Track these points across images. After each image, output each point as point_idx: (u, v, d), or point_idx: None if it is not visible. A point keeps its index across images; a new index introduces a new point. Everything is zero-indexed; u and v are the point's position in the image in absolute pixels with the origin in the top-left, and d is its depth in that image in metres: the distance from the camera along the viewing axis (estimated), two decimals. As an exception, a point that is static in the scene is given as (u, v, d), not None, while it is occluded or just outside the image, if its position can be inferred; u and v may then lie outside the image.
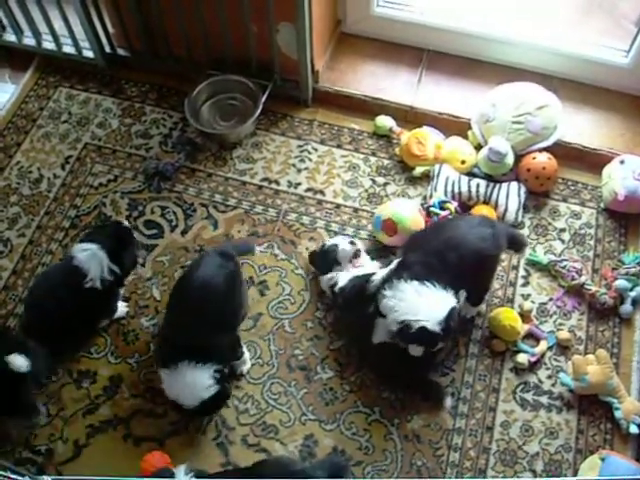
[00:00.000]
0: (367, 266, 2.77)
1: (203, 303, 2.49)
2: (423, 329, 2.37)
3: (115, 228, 2.75)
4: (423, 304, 2.40)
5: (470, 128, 3.15)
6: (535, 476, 2.51)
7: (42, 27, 3.42)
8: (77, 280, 2.58)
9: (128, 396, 2.68)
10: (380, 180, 3.13)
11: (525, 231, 2.98)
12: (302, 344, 2.76)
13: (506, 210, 2.95)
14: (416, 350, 2.44)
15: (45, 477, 1.52)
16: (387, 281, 2.48)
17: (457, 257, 2.47)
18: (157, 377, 2.56)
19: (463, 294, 2.55)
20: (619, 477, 1.51)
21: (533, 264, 2.91)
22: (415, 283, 2.41)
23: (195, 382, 2.42)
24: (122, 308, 2.83)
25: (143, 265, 2.93)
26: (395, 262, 2.57)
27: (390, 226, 2.83)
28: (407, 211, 2.86)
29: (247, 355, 2.69)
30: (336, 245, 2.77)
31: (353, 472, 2.51)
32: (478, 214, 2.87)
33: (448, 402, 2.62)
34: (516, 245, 2.75)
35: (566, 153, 3.10)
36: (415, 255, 2.52)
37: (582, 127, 3.16)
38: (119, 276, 2.67)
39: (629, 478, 1.52)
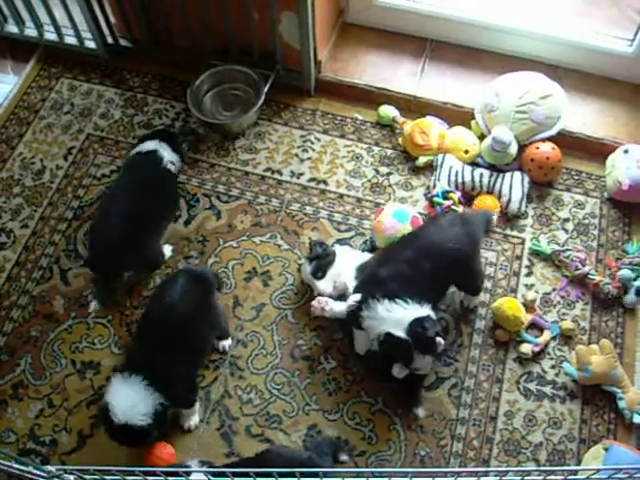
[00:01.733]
0: (346, 272, 2.72)
1: (166, 328, 2.46)
2: (388, 335, 2.38)
3: (162, 131, 3.13)
4: (391, 317, 2.41)
5: (473, 118, 3.14)
6: (539, 466, 2.51)
7: (44, 18, 3.41)
8: (155, 164, 2.88)
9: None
10: (383, 170, 3.13)
11: (529, 221, 2.98)
12: (306, 334, 2.76)
13: (509, 200, 2.94)
14: (398, 372, 2.45)
15: (49, 467, 1.52)
16: (363, 301, 2.48)
17: (432, 264, 2.48)
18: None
19: (452, 289, 2.60)
20: (622, 466, 1.50)
21: (537, 254, 2.90)
22: (386, 301, 2.42)
23: (135, 402, 2.35)
24: (168, 252, 2.94)
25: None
26: (363, 275, 2.60)
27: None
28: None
29: (197, 408, 2.60)
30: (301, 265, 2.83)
31: (356, 462, 2.52)
32: (449, 213, 2.84)
33: (420, 412, 2.61)
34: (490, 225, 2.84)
35: (570, 143, 3.09)
36: (387, 269, 2.51)
37: (586, 117, 3.15)
38: (179, 166, 3.02)
39: (632, 467, 1.51)
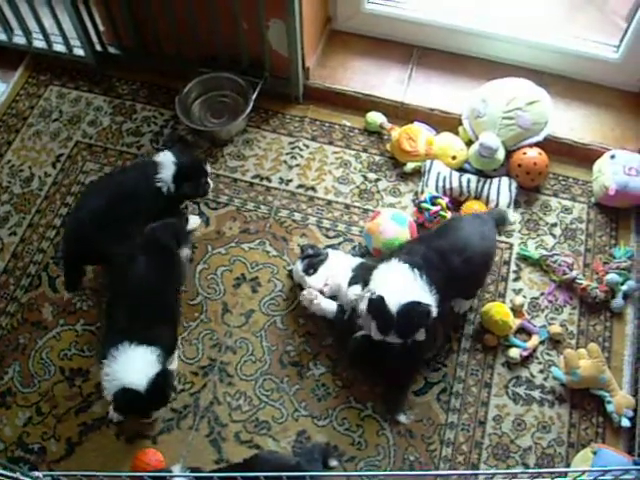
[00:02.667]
0: (339, 273, 2.72)
1: (141, 298, 2.53)
2: (380, 299, 2.36)
3: (193, 160, 2.94)
4: (398, 285, 2.40)
5: (461, 124, 3.16)
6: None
7: (32, 25, 3.41)
8: (151, 174, 2.79)
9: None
10: (371, 176, 3.14)
11: (516, 226, 2.99)
12: (294, 340, 2.76)
13: (497, 205, 2.95)
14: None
15: (36, 473, 1.51)
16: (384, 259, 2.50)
17: (462, 260, 2.48)
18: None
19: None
20: (608, 468, 1.51)
21: (524, 259, 2.91)
22: (406, 266, 2.41)
23: (140, 359, 2.41)
24: (193, 223, 2.99)
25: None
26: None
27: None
28: (397, 246, 2.77)
29: (176, 355, 2.70)
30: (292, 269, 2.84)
31: (346, 468, 2.51)
32: (470, 214, 2.86)
33: (403, 419, 2.61)
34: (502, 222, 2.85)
35: (557, 148, 3.11)
36: (420, 247, 2.51)
37: (573, 122, 3.17)
38: (174, 196, 2.85)
39: (618, 468, 1.52)
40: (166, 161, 2.82)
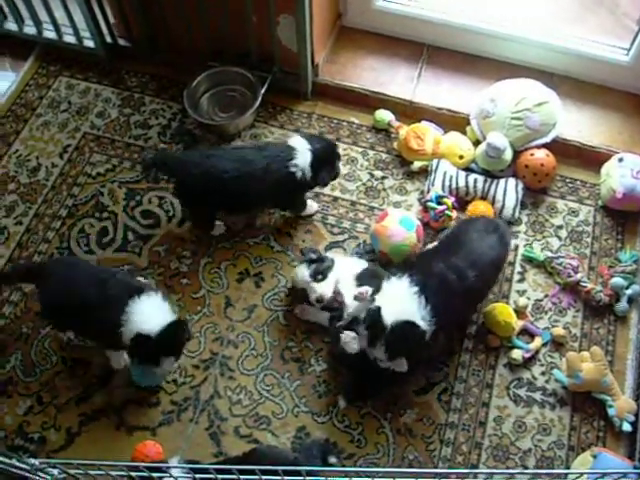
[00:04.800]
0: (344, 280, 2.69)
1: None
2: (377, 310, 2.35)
3: (328, 145, 2.89)
4: (395, 300, 2.38)
5: (469, 123, 3.15)
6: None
7: (43, 16, 3.41)
8: (286, 159, 2.77)
9: (121, 385, 2.68)
10: (378, 174, 3.13)
11: (522, 227, 2.98)
12: (296, 336, 2.76)
13: (503, 206, 2.94)
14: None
15: (32, 459, 1.52)
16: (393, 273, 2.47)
17: (476, 275, 2.45)
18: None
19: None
20: (607, 471, 1.50)
21: (529, 260, 2.90)
22: (414, 290, 2.37)
23: (157, 304, 2.48)
24: (312, 208, 3.03)
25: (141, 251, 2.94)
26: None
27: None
28: (404, 251, 2.80)
29: None
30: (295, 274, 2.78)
31: (344, 465, 2.51)
32: (479, 215, 2.86)
33: (341, 403, 2.61)
34: None
35: (565, 150, 3.09)
36: (437, 266, 2.46)
37: (581, 124, 3.16)
38: (306, 182, 2.82)
39: (616, 471, 1.51)
40: (301, 147, 2.80)
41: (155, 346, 2.41)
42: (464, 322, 2.75)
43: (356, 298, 2.52)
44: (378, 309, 2.34)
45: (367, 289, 2.51)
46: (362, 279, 2.63)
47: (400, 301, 2.37)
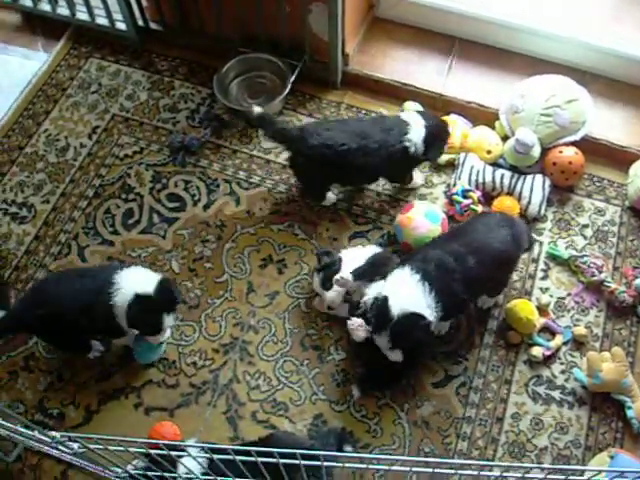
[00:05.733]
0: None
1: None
2: (385, 300, 2.38)
3: (441, 123, 2.95)
4: (401, 291, 2.40)
5: (498, 118, 3.13)
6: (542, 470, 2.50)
7: (77, -3, 3.44)
8: (400, 133, 2.81)
9: (141, 365, 2.70)
10: (404, 166, 3.12)
11: (548, 225, 2.96)
12: (317, 324, 2.77)
13: (529, 202, 2.92)
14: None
15: (54, 432, 1.53)
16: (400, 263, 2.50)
17: (477, 262, 2.45)
18: (171, 348, 2.62)
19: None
20: (624, 469, 1.49)
21: (553, 258, 2.88)
22: (417, 277, 2.40)
23: (142, 271, 2.57)
24: (418, 181, 3.06)
25: (164, 237, 2.96)
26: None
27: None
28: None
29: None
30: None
31: (359, 451, 2.52)
32: (498, 211, 2.84)
33: (355, 392, 2.62)
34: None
35: (594, 149, 3.06)
36: (435, 253, 2.49)
37: (611, 123, 3.12)
38: (417, 157, 2.87)
39: (633, 470, 1.50)
40: (416, 122, 2.84)
41: (156, 304, 2.49)
42: (464, 307, 2.69)
43: (337, 282, 2.56)
44: (385, 298, 2.37)
45: (348, 275, 2.55)
46: (357, 276, 2.60)
47: (406, 290, 2.39)
